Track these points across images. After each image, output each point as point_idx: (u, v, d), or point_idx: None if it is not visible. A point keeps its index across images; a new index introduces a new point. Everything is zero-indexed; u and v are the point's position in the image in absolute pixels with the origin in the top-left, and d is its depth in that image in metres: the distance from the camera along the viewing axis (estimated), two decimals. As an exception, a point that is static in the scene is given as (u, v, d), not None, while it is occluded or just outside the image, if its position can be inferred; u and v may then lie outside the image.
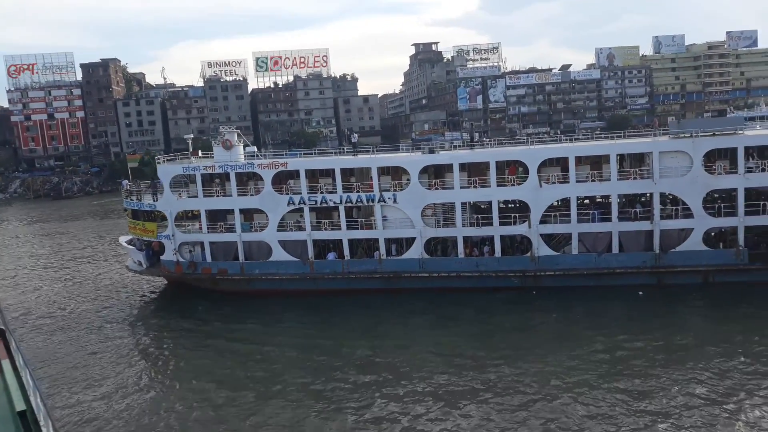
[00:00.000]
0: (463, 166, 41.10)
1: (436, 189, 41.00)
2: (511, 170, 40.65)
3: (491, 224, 40.18)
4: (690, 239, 38.17)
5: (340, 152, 47.50)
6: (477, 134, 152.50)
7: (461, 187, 40.37)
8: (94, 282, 50.81)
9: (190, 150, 46.38)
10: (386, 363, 30.85)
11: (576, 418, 24.29)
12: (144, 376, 31.45)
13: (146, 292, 46.83)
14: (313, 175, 43.06)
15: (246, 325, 38.39)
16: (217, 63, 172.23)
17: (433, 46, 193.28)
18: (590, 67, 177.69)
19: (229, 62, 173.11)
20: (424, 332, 36.02)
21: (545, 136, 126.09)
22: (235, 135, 44.54)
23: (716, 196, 39.68)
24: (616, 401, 25.32)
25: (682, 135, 39.23)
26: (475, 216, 40.72)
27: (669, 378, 27.05)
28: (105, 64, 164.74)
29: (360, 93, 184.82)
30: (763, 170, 37.63)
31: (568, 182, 39.16)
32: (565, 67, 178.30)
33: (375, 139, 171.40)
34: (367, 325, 37.36)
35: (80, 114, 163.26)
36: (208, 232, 43.24)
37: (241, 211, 43.01)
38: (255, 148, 48.48)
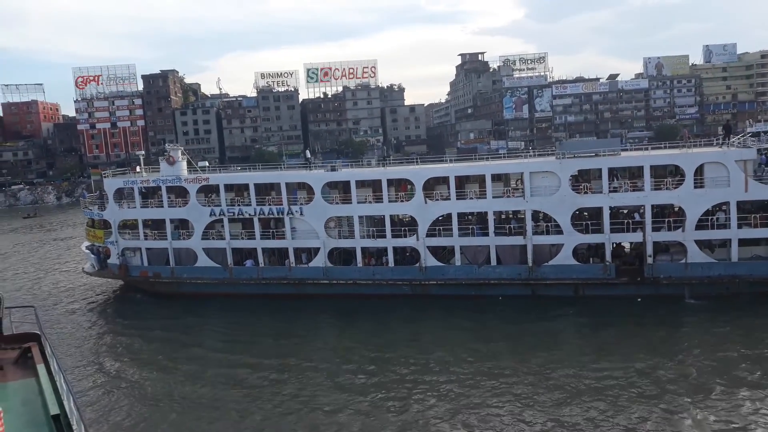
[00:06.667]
0: (363, 183, 44.75)
1: (337, 204, 44.71)
2: (403, 187, 43.87)
3: (385, 236, 43.58)
4: (561, 254, 40.42)
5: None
6: (522, 143, 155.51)
7: (358, 202, 43.96)
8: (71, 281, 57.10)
9: (141, 166, 51.66)
10: (294, 360, 34.58)
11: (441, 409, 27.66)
12: (138, 373, 34.54)
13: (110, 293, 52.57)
14: (238, 189, 47.60)
15: (177, 321, 43.12)
16: (269, 74, 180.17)
17: (480, 56, 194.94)
18: (638, 76, 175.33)
19: (280, 73, 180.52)
20: (325, 332, 40.53)
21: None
22: (179, 152, 49.48)
23: (585, 214, 41.74)
24: (486, 396, 28.54)
25: (559, 156, 41.44)
26: (372, 229, 44.14)
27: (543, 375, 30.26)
28: (164, 75, 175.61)
29: (406, 102, 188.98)
30: (626, 190, 39.56)
31: (449, 199, 42.11)
32: (612, 77, 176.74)
33: (421, 147, 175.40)
34: (277, 325, 41.56)
35: (141, 123, 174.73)
36: (145, 239, 48.39)
37: (173, 220, 47.97)
38: (207, 163, 53.35)
